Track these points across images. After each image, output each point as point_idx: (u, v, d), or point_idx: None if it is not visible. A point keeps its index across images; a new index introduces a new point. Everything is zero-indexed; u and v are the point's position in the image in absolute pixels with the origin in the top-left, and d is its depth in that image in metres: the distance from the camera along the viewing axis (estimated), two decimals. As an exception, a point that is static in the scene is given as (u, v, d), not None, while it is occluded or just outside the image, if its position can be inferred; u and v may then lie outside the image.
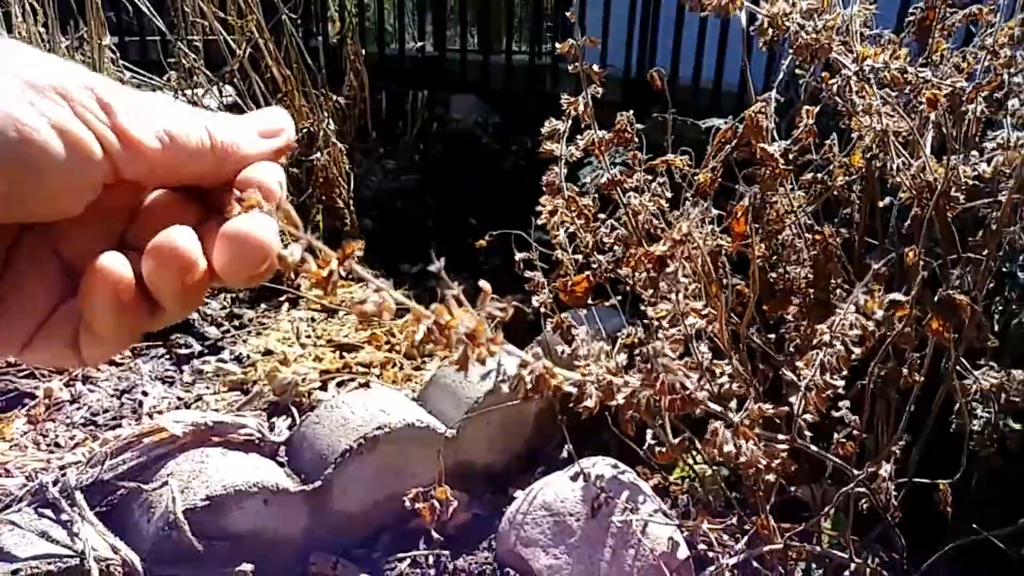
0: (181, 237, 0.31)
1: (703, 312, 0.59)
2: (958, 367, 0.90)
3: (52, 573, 0.95)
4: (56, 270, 0.33)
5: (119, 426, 1.55)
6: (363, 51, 2.76)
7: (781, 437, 0.62)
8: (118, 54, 2.45)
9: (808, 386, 0.55)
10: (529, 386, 0.40)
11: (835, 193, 1.20)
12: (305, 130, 2.63)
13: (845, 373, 0.57)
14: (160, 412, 1.58)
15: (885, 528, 0.86)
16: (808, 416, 0.57)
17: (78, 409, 1.62)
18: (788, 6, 0.97)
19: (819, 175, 1.20)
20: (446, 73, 4.41)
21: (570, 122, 1.02)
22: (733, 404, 0.55)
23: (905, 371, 0.74)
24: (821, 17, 0.96)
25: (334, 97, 2.74)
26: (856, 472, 0.82)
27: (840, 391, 0.79)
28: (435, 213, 2.78)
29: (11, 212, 0.29)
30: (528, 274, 1.04)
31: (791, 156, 0.99)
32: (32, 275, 0.33)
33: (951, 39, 1.16)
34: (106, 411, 1.62)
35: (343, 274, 0.34)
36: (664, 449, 0.63)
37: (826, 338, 0.56)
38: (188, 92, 2.61)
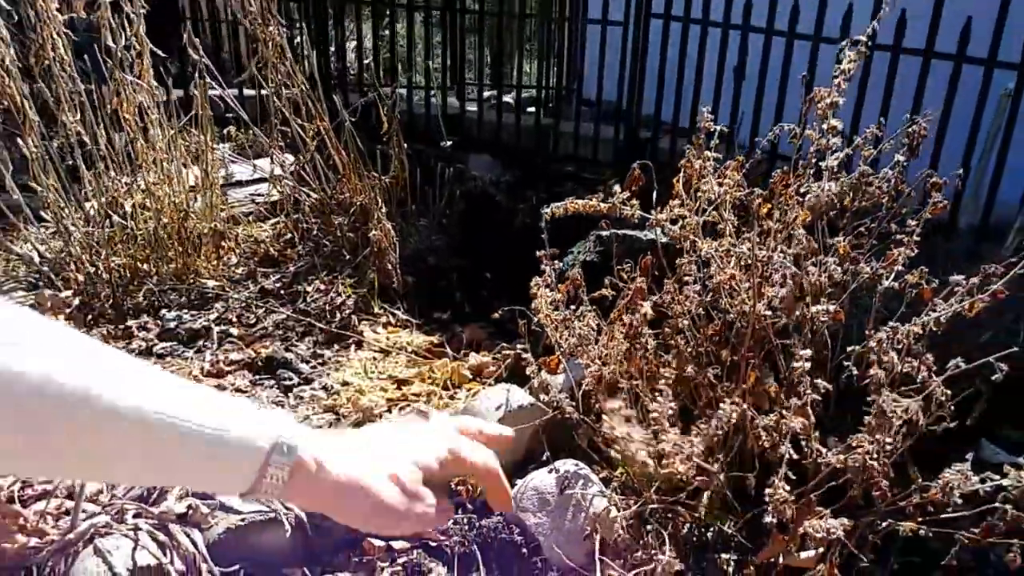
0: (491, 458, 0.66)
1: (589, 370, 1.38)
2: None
3: (262, 521, 1.74)
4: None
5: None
6: (405, 145, 3.54)
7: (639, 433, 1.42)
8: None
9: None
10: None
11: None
12: (360, 203, 3.44)
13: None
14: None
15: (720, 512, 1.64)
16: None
17: (225, 424, 2.41)
18: (664, 215, 1.75)
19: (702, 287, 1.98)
20: (464, 132, 5.20)
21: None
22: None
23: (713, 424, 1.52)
24: (680, 221, 1.73)
25: (383, 178, 3.53)
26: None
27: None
28: (458, 269, 3.52)
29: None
30: (524, 356, 1.82)
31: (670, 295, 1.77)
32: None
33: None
34: (244, 426, 2.40)
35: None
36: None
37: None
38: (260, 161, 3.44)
